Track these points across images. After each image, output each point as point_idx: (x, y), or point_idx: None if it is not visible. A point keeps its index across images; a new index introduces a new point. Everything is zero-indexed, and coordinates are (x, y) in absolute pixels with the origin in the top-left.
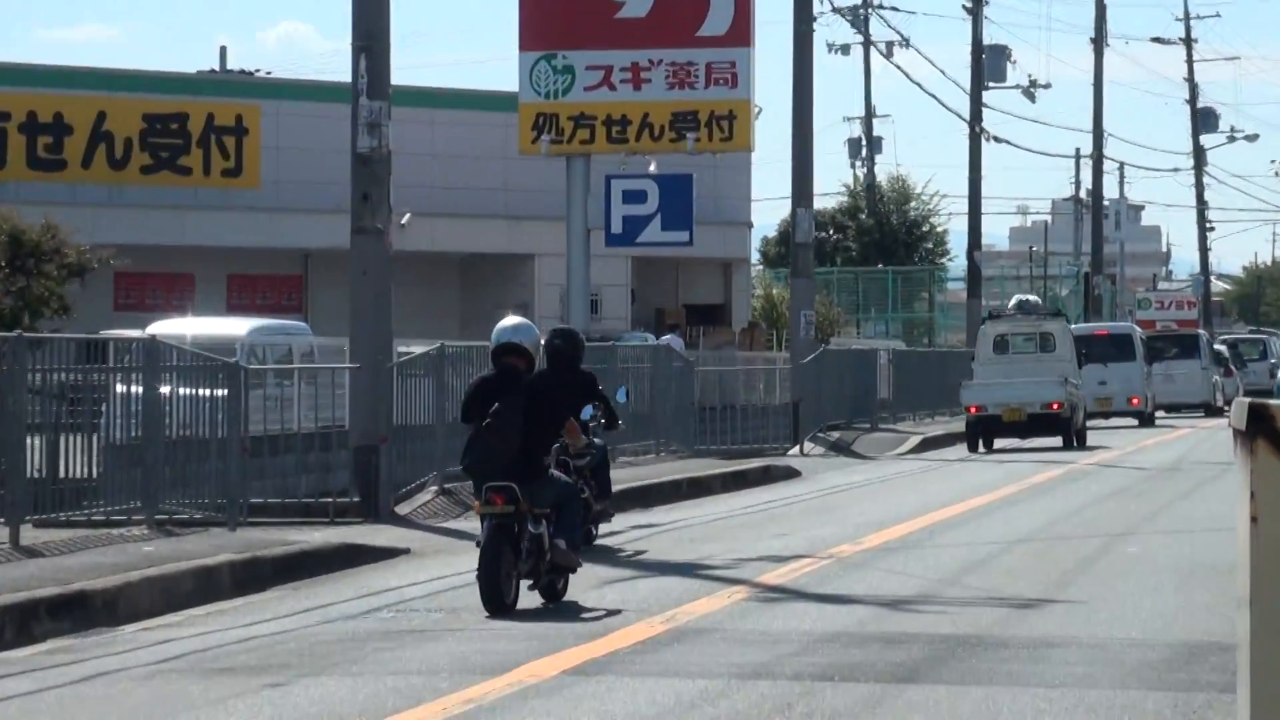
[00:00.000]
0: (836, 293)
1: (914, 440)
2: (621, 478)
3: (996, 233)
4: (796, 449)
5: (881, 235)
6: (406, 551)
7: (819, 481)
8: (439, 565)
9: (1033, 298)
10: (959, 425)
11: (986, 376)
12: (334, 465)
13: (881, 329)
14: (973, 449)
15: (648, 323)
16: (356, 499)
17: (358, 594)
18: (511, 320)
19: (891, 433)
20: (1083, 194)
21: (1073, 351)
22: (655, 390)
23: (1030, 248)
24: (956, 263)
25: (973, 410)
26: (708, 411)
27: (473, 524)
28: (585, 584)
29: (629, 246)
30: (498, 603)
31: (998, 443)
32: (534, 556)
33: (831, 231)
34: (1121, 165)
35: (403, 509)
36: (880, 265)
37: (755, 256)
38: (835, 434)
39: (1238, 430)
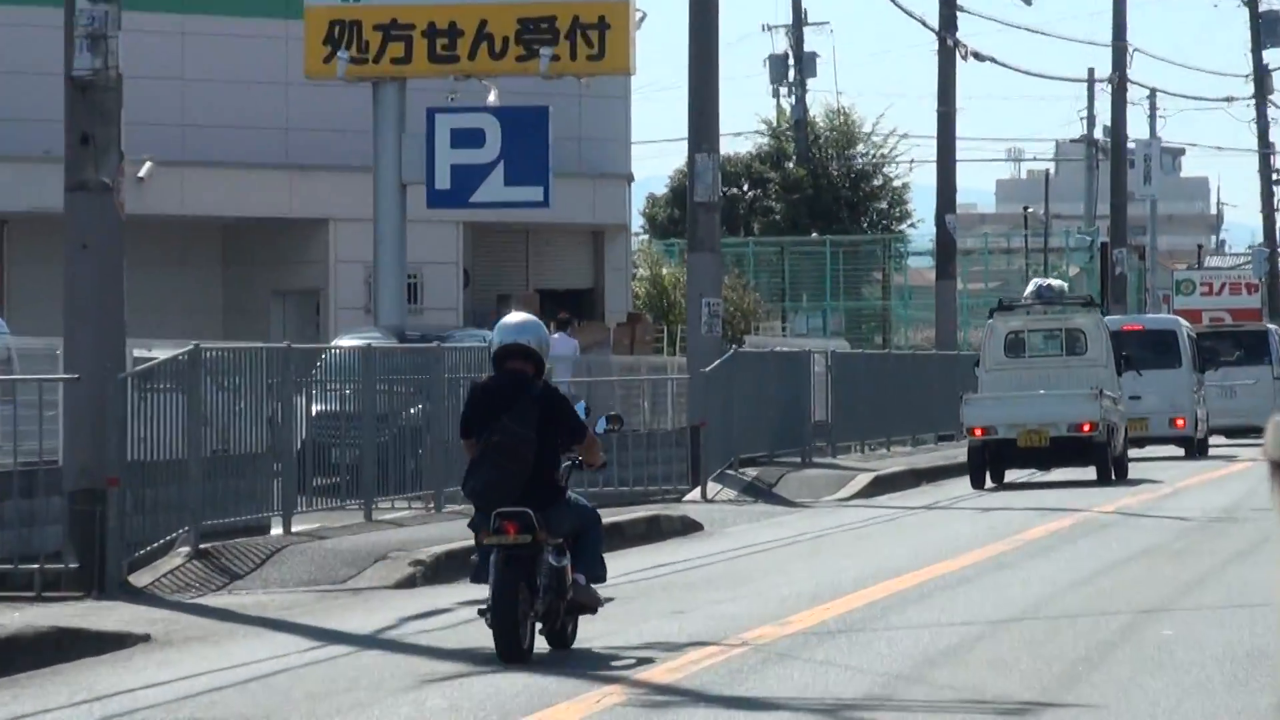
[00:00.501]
0: (754, 272)
1: (862, 480)
2: (445, 534)
3: (979, 188)
4: (697, 492)
5: (817, 192)
6: (146, 638)
7: (729, 538)
8: (192, 659)
9: (1056, 282)
10: (929, 458)
11: (996, 387)
12: (41, 517)
13: (817, 323)
14: (977, 483)
15: (485, 314)
16: (73, 565)
17: (72, 700)
18: (515, 317)
19: (831, 469)
20: (1098, 134)
21: (1110, 354)
22: None
23: (1025, 209)
24: (922, 230)
25: (977, 432)
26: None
27: (244, 599)
28: (400, 681)
29: (461, 208)
30: (516, 650)
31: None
32: (552, 594)
33: (746, 187)
34: (1153, 93)
35: (141, 579)
36: (815, 234)
37: (638, 222)
38: (752, 471)
39: (1275, 463)
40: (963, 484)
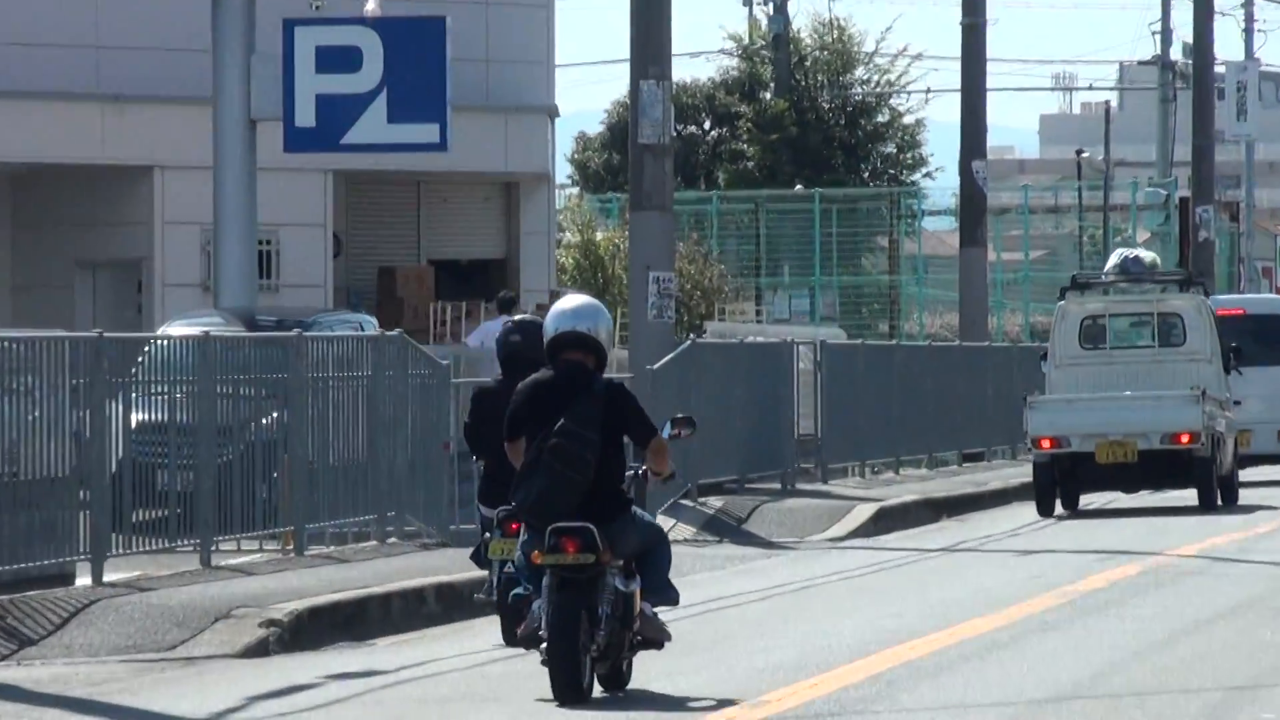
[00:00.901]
0: (718, 238)
1: (861, 513)
2: (308, 585)
3: (1018, 127)
4: None
5: (802, 132)
6: None
7: (687, 590)
8: None
9: (1146, 253)
10: (951, 484)
11: (1069, 387)
12: None
13: (803, 305)
14: (1045, 509)
15: (363, 294)
16: None
17: None
18: (573, 300)
19: (820, 498)
20: (1176, 53)
21: (1215, 345)
22: (375, 423)
23: (1078, 153)
24: (942, 182)
25: (1045, 444)
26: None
27: (38, 672)
28: None
29: (330, 151)
30: (575, 690)
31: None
32: (616, 624)
33: (709, 125)
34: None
35: None
36: (800, 187)
37: (565, 171)
38: (716, 501)
39: None
40: (996, 518)
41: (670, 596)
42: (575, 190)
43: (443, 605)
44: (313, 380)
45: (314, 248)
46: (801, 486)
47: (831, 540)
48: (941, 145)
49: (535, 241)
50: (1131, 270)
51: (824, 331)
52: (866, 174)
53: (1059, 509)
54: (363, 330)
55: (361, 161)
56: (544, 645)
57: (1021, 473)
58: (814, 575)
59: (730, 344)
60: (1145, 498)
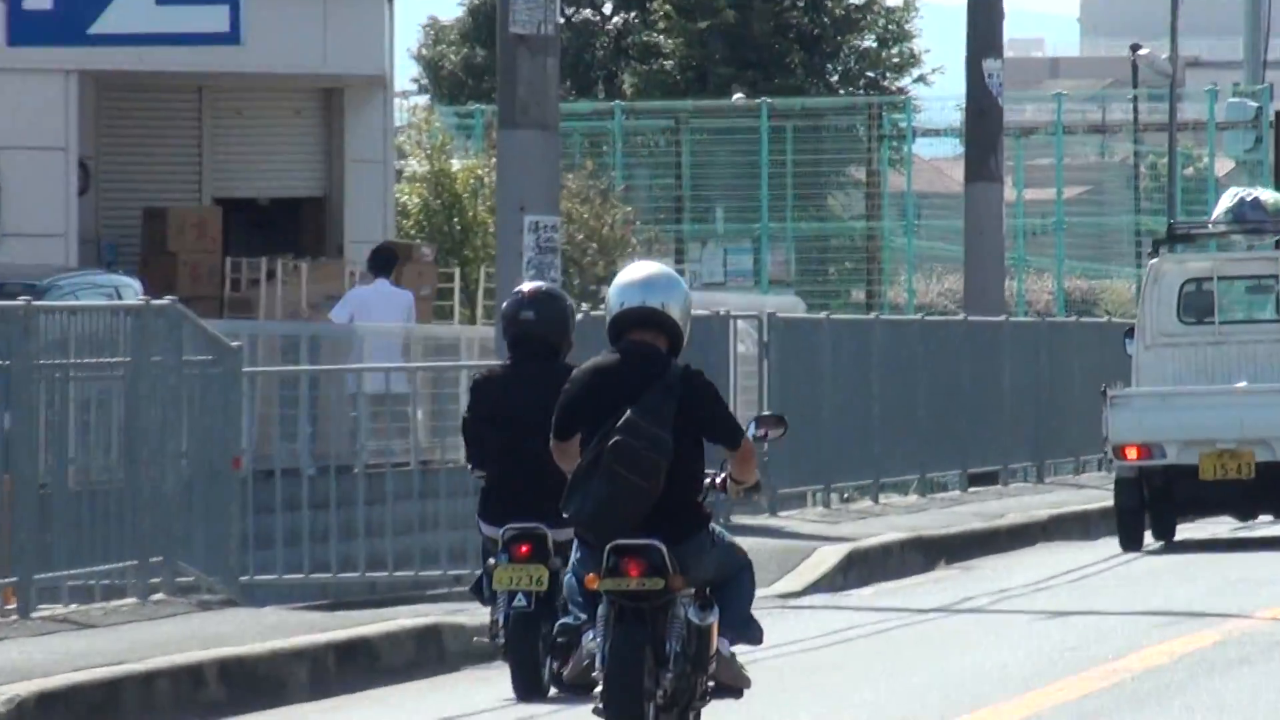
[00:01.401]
0: (623, 168)
1: (827, 557)
2: (36, 661)
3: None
4: None
5: (744, 17)
6: None
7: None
8: None
9: (1270, 194)
10: (951, 516)
11: (1164, 375)
12: None
13: (744, 261)
14: (1130, 541)
15: (117, 247)
16: None
17: None
18: (642, 269)
19: (767, 537)
20: None
21: None
22: (136, 431)
23: (1134, 49)
24: (942, 91)
25: (1132, 454)
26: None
27: None
28: None
29: (73, 43)
30: None
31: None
32: (687, 664)
33: (610, 9)
34: None
35: None
36: (741, 95)
37: (408, 72)
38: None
39: None
40: (1016, 564)
41: (754, 634)
42: (423, 100)
43: (229, 688)
44: (46, 370)
45: (50, 181)
46: (741, 520)
47: (782, 596)
48: (941, 37)
49: (365, 174)
50: (1250, 218)
51: (774, 300)
52: (835, 78)
53: (1149, 540)
54: (119, 298)
55: (119, 59)
56: (599, 689)
57: (1050, 502)
58: (752, 650)
59: None
60: (1265, 526)
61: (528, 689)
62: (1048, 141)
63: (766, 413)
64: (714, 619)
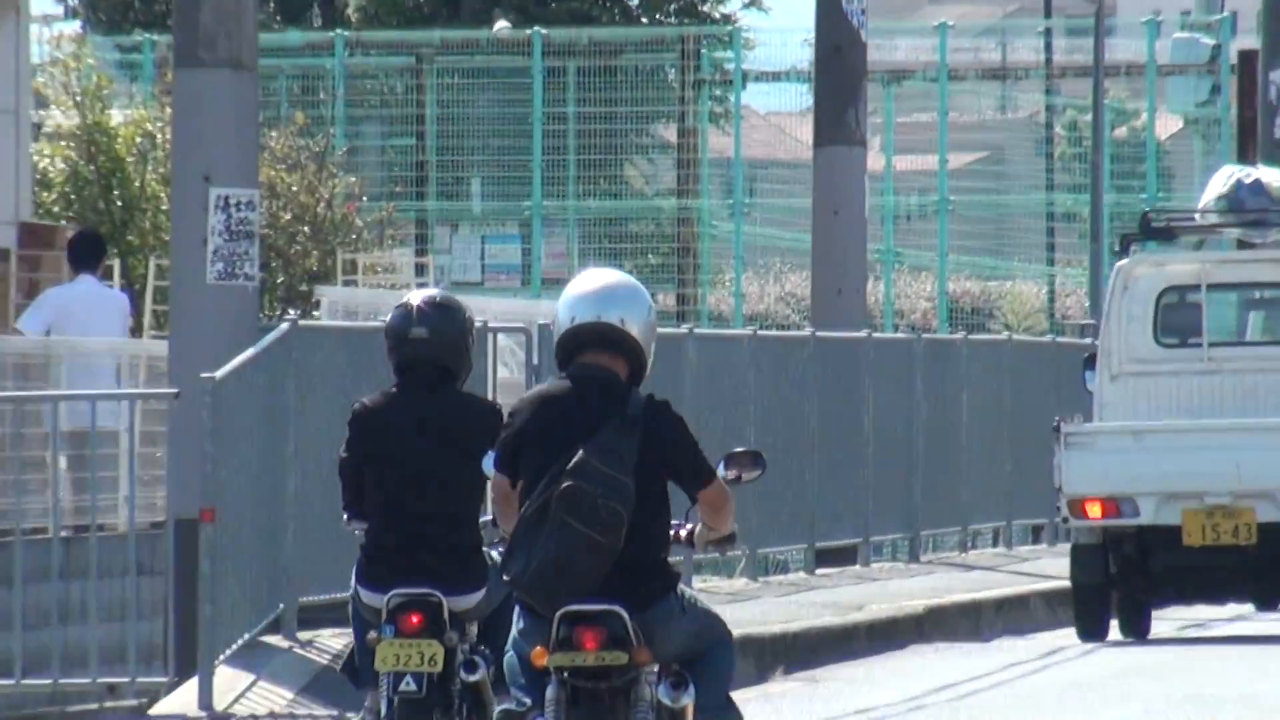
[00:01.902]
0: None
1: None
2: None
3: None
4: (187, 692)
5: None
6: None
7: None
8: None
9: (1273, 174)
10: (804, 611)
11: (1135, 409)
12: None
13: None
14: (1091, 632)
15: None
16: None
17: None
18: (596, 279)
19: None
20: None
21: None
22: None
23: None
24: (783, 20)
25: (1095, 511)
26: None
27: None
28: None
29: None
30: None
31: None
32: None
33: None
34: None
35: None
36: (504, 25)
37: None
38: (332, 636)
39: None
40: (882, 671)
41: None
42: (72, 27)
43: None
44: None
45: None
46: None
47: None
48: None
49: None
50: (1249, 205)
51: (549, 307)
52: (636, 1)
53: (1114, 633)
54: None
55: None
56: None
57: (928, 588)
58: None
59: (364, 329)
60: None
61: None
62: (928, 90)
63: (740, 449)
64: (689, 700)
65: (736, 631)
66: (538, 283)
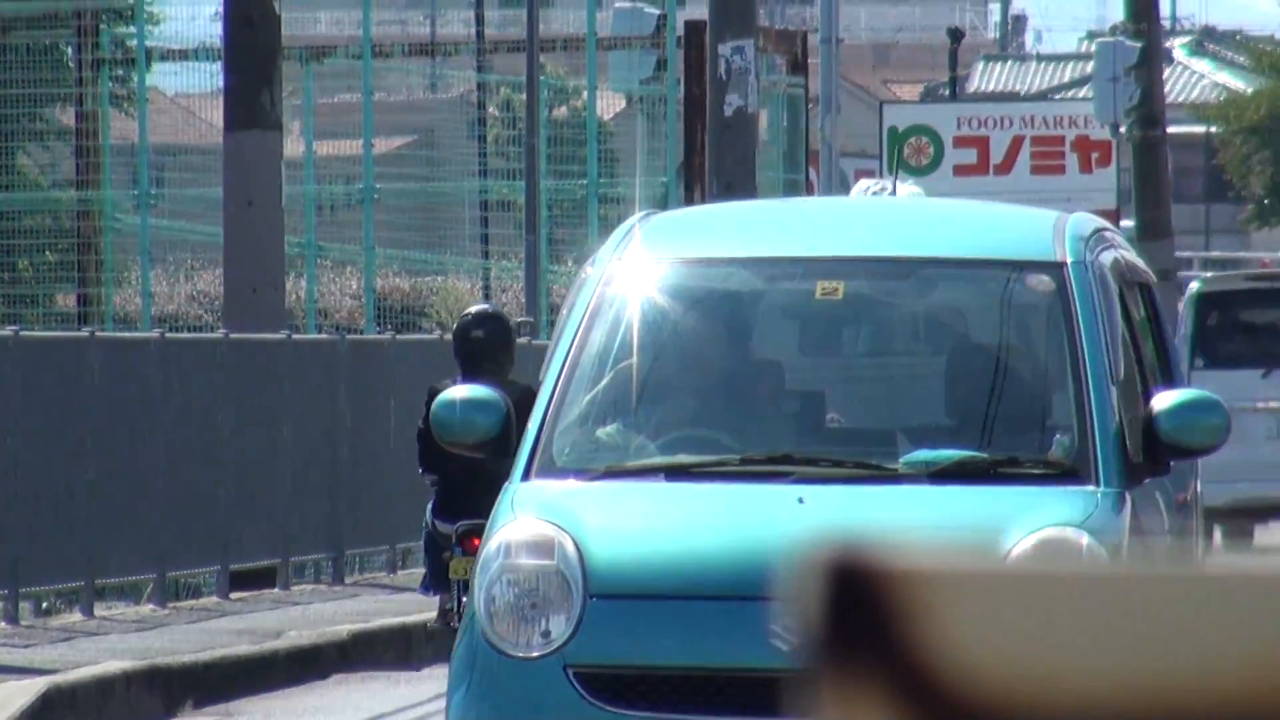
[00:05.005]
0: None
1: (13, 699)
2: None
3: None
4: None
5: None
6: None
7: None
8: None
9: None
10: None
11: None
12: None
13: None
14: None
15: None
16: None
17: None
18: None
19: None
20: None
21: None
22: None
23: None
24: None
25: None
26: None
27: None
28: None
29: None
30: None
31: None
32: None
33: None
34: None
35: None
36: None
37: None
38: None
39: None
40: (298, 708)
41: None
42: None
43: None
44: None
45: None
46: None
47: None
48: None
49: None
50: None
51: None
52: None
53: None
54: None
55: None
56: None
57: (354, 612)
58: None
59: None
60: None
61: None
62: (352, 68)
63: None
64: None
65: (142, 664)
66: None
